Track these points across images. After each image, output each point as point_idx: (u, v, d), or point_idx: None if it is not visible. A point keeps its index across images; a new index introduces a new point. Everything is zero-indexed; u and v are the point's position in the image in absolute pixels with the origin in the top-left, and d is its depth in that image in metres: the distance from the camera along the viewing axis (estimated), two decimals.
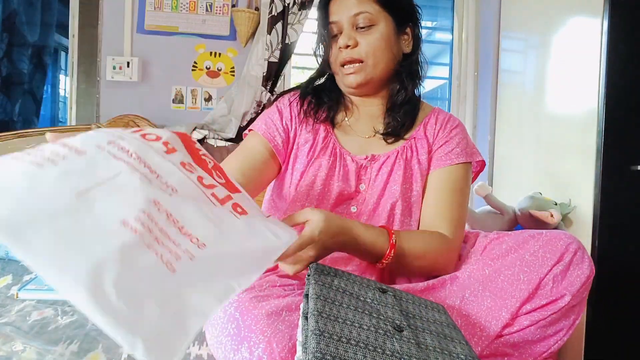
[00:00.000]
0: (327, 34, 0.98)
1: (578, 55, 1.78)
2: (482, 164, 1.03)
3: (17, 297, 1.18)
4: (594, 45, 1.66)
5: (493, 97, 2.39)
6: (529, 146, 2.10)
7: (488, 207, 1.90)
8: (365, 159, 0.98)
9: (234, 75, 2.16)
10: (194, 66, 2.15)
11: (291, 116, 1.03)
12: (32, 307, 1.07)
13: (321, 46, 1.02)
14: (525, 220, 1.79)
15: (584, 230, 1.69)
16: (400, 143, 1.00)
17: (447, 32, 2.57)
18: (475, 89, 2.46)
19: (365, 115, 1.04)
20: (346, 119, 1.04)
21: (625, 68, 1.62)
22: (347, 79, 0.98)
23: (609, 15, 1.60)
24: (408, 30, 1.00)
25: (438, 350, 0.60)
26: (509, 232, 0.93)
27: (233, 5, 2.15)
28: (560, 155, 1.88)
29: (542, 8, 2.05)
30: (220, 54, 2.16)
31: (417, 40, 1.02)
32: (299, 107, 1.04)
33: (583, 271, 0.78)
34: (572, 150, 1.79)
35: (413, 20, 1.01)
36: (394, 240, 0.83)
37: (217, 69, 2.16)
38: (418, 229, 0.97)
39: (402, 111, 1.00)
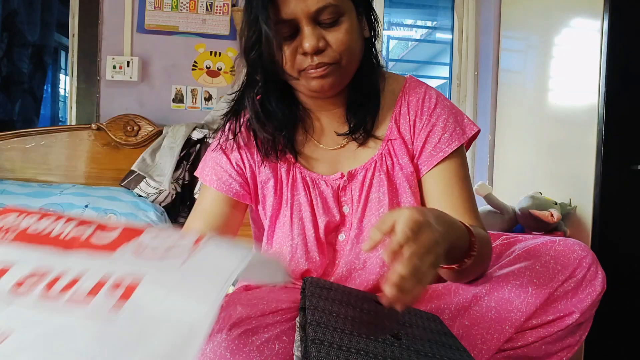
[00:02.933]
0: (276, 35, 0.75)
1: (578, 55, 1.78)
2: (478, 132, 0.88)
3: None
4: (594, 45, 1.66)
5: (493, 97, 2.39)
6: (529, 146, 2.10)
7: (488, 207, 1.90)
8: (341, 178, 0.84)
9: (234, 75, 2.16)
10: (194, 66, 2.15)
11: (241, 155, 0.87)
12: None
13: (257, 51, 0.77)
14: (525, 220, 1.79)
15: (584, 230, 1.69)
16: (377, 145, 0.86)
17: (447, 32, 2.57)
18: (475, 89, 2.46)
19: (328, 122, 0.88)
20: (308, 137, 0.87)
21: (625, 68, 1.62)
22: (313, 83, 0.78)
23: (609, 15, 1.60)
24: (362, 12, 0.82)
25: (438, 357, 0.60)
26: (519, 236, 0.86)
27: (233, 5, 2.15)
28: (560, 155, 1.88)
29: (542, 8, 2.05)
30: (220, 54, 2.16)
31: (373, 22, 0.85)
32: (248, 143, 0.87)
33: (595, 288, 0.74)
34: (573, 150, 1.79)
35: (369, 1, 0.84)
36: (474, 233, 0.69)
37: (217, 68, 2.16)
38: None
39: (364, 104, 0.85)
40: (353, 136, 0.85)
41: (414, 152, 0.86)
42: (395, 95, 0.88)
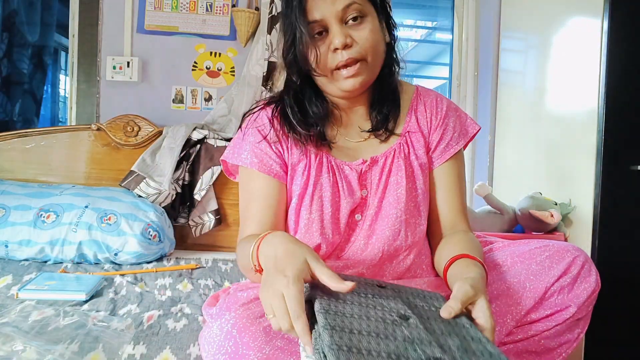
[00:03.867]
0: (308, 35, 0.83)
1: (578, 55, 1.78)
2: (478, 130, 0.99)
3: (17, 297, 1.18)
4: (594, 45, 1.66)
5: (493, 97, 2.39)
6: (529, 146, 2.10)
7: (488, 207, 1.90)
8: (363, 163, 0.92)
9: (234, 75, 2.16)
10: (194, 66, 2.15)
11: (278, 138, 0.93)
12: (32, 307, 1.07)
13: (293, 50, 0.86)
14: (525, 220, 1.79)
15: (584, 230, 1.69)
16: (396, 139, 0.94)
17: (447, 32, 2.57)
18: (475, 89, 2.46)
19: (353, 118, 0.96)
20: (336, 129, 0.95)
21: (625, 68, 1.62)
22: (345, 84, 0.85)
23: (609, 15, 1.60)
24: (382, 18, 0.90)
25: (446, 333, 0.60)
26: (515, 242, 0.91)
27: (233, 5, 2.15)
28: (560, 155, 1.88)
29: (542, 8, 2.05)
30: (220, 54, 2.16)
31: (392, 27, 0.93)
32: (282, 128, 0.92)
33: (590, 284, 0.78)
34: (572, 150, 1.79)
35: (388, 7, 0.92)
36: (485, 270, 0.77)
37: (217, 68, 2.16)
38: (429, 226, 0.96)
39: (385, 103, 0.94)
40: (375, 133, 0.94)
41: (430, 145, 0.96)
42: (409, 96, 0.98)
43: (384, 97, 0.93)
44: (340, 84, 0.86)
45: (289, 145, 0.93)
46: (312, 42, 0.83)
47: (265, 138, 0.92)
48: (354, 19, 0.83)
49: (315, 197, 0.90)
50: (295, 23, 0.83)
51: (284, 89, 0.94)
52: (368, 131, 0.94)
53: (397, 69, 0.95)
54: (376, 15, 0.87)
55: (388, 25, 0.92)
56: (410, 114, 0.96)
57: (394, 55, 0.94)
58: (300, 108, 0.91)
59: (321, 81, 0.88)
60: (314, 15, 0.82)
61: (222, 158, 0.99)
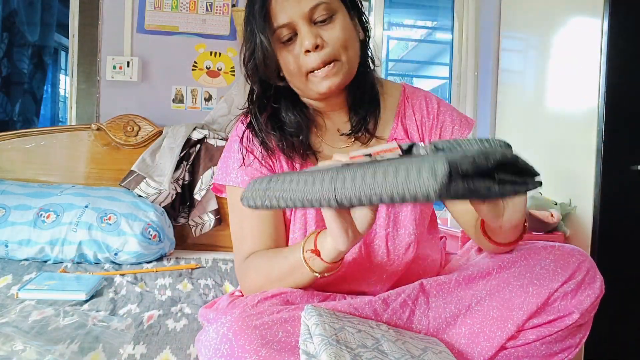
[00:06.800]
0: (274, 42, 0.80)
1: (578, 55, 1.78)
2: (473, 124, 0.96)
3: (17, 297, 1.18)
4: (594, 45, 1.66)
5: (493, 97, 2.39)
6: (529, 146, 2.10)
7: None
8: None
9: (234, 75, 2.16)
10: (194, 66, 2.15)
11: (266, 153, 0.89)
12: (32, 307, 1.07)
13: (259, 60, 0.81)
14: None
15: (584, 230, 1.69)
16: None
17: (447, 32, 2.57)
18: (475, 89, 2.46)
19: (333, 123, 0.92)
20: (320, 137, 0.91)
21: (625, 68, 1.62)
22: (321, 86, 0.80)
23: (609, 15, 1.60)
24: (354, 14, 0.86)
25: None
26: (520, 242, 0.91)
27: (233, 5, 2.15)
28: (560, 155, 1.87)
29: (542, 8, 2.05)
30: (220, 54, 2.16)
31: (365, 24, 0.88)
32: (266, 142, 0.88)
33: (594, 291, 0.77)
34: (572, 150, 1.79)
35: (359, 4, 0.88)
36: None
37: (217, 68, 2.16)
38: (428, 229, 0.94)
39: (365, 103, 0.89)
40: (356, 136, 0.89)
41: None
42: (395, 99, 0.93)
43: (363, 98, 0.89)
44: (317, 86, 0.81)
45: (279, 157, 0.89)
46: (280, 49, 0.80)
47: (251, 152, 0.88)
48: (323, 19, 0.79)
49: (299, 215, 0.87)
50: (258, 30, 0.78)
51: (249, 99, 0.88)
52: (348, 134, 0.89)
53: (373, 67, 0.90)
54: (346, 12, 0.83)
55: (361, 21, 0.87)
56: (397, 119, 0.92)
57: (369, 53, 0.89)
58: (276, 118, 0.86)
59: (296, 87, 0.84)
60: (281, 19, 0.78)
61: (213, 180, 0.95)
